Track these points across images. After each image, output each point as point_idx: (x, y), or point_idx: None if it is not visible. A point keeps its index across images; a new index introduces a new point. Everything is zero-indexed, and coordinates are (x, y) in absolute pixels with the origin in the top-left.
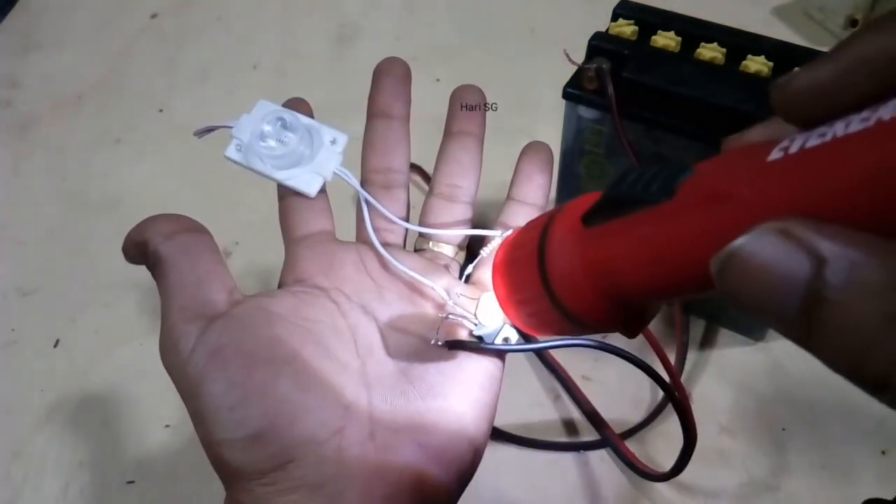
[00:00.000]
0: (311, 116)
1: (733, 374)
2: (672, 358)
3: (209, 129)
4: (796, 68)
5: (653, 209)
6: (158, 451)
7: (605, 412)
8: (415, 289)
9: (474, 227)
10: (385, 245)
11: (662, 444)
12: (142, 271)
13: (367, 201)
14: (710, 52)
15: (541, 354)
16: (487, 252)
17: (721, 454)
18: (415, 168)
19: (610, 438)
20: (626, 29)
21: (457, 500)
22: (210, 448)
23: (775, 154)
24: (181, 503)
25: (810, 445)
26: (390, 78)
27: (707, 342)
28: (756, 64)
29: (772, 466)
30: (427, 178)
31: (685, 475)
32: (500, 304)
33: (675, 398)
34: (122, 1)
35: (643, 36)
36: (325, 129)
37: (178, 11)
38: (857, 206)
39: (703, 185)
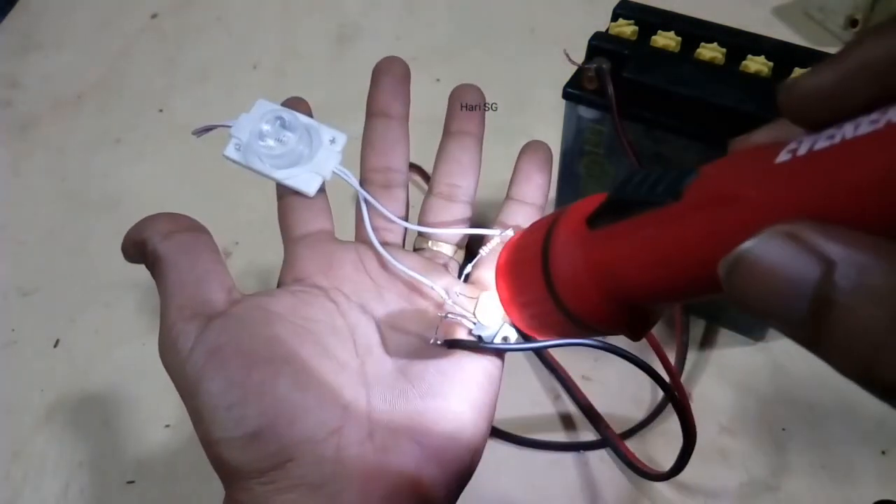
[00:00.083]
0: (311, 116)
1: (733, 374)
2: (672, 358)
3: (208, 129)
4: (796, 68)
5: (658, 211)
6: (158, 450)
7: (605, 412)
8: (414, 288)
9: (474, 226)
10: (384, 244)
11: (662, 444)
12: (141, 271)
13: (366, 201)
14: (710, 52)
15: (540, 354)
16: (487, 251)
17: (721, 454)
18: (414, 168)
19: (610, 438)
20: (626, 29)
21: (456, 499)
22: (209, 447)
23: (783, 156)
24: (181, 503)
25: (810, 445)
26: (389, 77)
27: (707, 342)
28: (756, 64)
29: (772, 466)
30: (427, 177)
31: (685, 475)
32: (503, 305)
33: (675, 398)
34: (122, 1)
35: (643, 36)
36: (324, 128)
37: (178, 11)
38: (866, 209)
39: (710, 186)
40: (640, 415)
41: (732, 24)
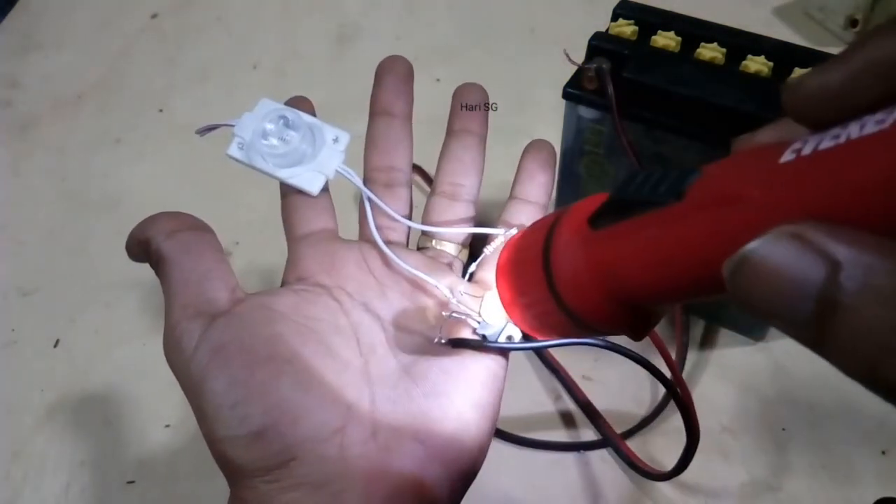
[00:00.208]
0: (314, 114)
1: (733, 374)
2: (672, 357)
3: (211, 128)
4: (796, 68)
5: (661, 211)
6: (159, 450)
7: (606, 411)
8: (418, 287)
9: (477, 226)
10: (388, 243)
11: (663, 444)
12: (141, 271)
13: (369, 199)
14: (710, 52)
15: (541, 354)
16: (491, 250)
17: (722, 454)
18: (415, 168)
19: (611, 438)
20: (626, 29)
21: (460, 499)
22: (213, 445)
23: (787, 156)
24: (181, 503)
25: (811, 445)
26: (392, 76)
27: (707, 342)
28: (756, 64)
29: (772, 466)
30: (427, 178)
31: (686, 475)
32: (503, 306)
33: (678, 396)
34: (122, 1)
35: (643, 36)
36: (327, 127)
37: (178, 11)
38: (872, 209)
39: (714, 186)
40: (640, 414)
41: (732, 24)
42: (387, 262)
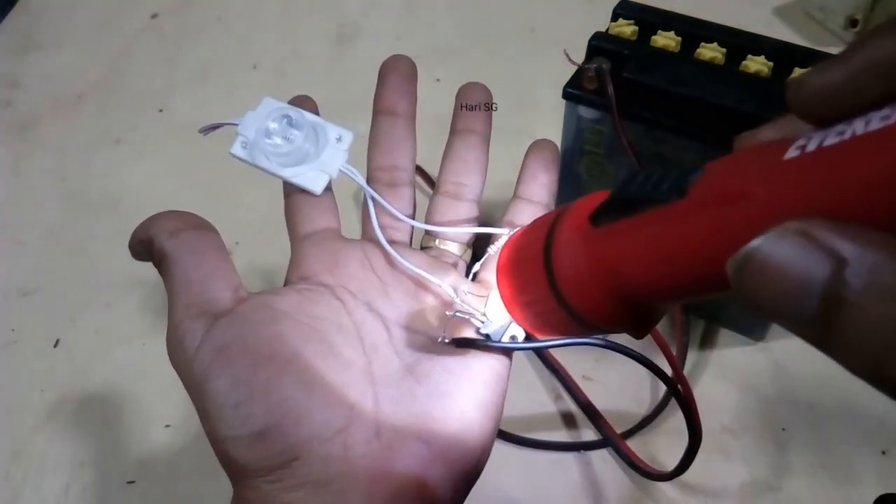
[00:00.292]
0: (317, 114)
1: (734, 374)
2: None
3: (214, 127)
4: (796, 68)
5: (664, 208)
6: (159, 450)
7: (606, 412)
8: (421, 286)
9: (480, 226)
10: (391, 243)
11: (664, 443)
12: (142, 271)
13: (372, 199)
14: (710, 52)
15: (541, 354)
16: (494, 250)
17: (722, 454)
18: (416, 169)
19: (611, 438)
20: (626, 29)
21: (463, 499)
22: (216, 445)
23: (792, 152)
24: (182, 503)
25: (811, 445)
26: (396, 75)
27: (707, 342)
28: (756, 64)
29: (772, 466)
30: (428, 179)
31: (686, 474)
32: (504, 304)
33: (680, 395)
34: (122, 1)
35: (643, 36)
36: (330, 126)
37: (178, 11)
38: (877, 206)
39: (717, 183)
40: (640, 414)
41: (732, 24)
42: (390, 261)
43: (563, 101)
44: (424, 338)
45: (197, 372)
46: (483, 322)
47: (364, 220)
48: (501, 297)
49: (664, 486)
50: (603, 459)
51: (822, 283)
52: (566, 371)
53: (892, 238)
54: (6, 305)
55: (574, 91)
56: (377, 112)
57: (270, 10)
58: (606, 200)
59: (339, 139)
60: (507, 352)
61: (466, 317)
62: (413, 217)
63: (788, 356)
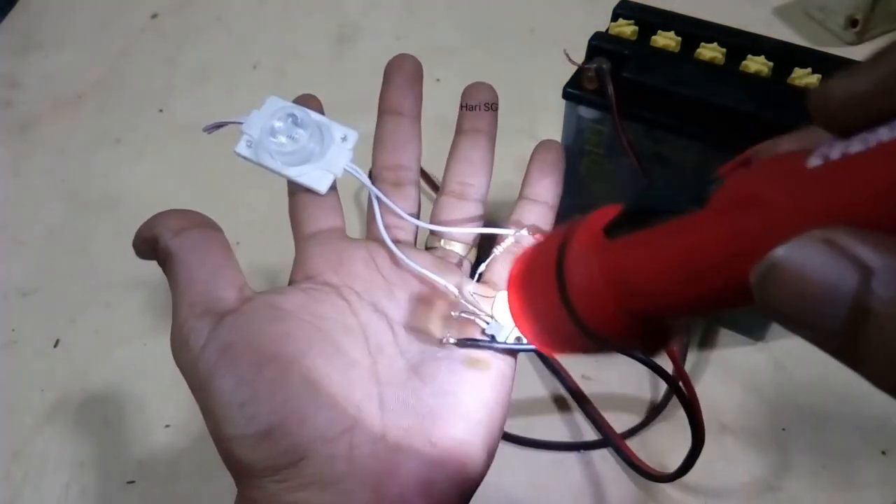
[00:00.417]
0: (322, 113)
1: (734, 374)
2: None
3: (219, 125)
4: (796, 68)
5: (682, 219)
6: (159, 450)
7: (606, 411)
8: (426, 287)
9: (484, 226)
10: (396, 243)
11: (664, 443)
12: (142, 270)
13: (377, 198)
14: (710, 52)
15: (542, 355)
16: (500, 250)
17: (722, 454)
18: None
19: (611, 438)
20: (626, 29)
21: (468, 500)
22: (220, 444)
23: (815, 160)
24: (182, 503)
25: (811, 445)
26: (401, 75)
27: (707, 342)
28: (756, 64)
29: (773, 466)
30: (430, 180)
31: (687, 474)
32: (514, 318)
33: (683, 394)
34: (122, 1)
35: (643, 36)
36: (335, 125)
37: (178, 11)
38: None
39: (738, 192)
40: (641, 414)
41: (732, 24)
42: (395, 261)
43: (563, 101)
44: (429, 338)
45: (202, 371)
46: (488, 323)
47: (369, 219)
48: (511, 311)
49: (665, 486)
50: (604, 459)
51: (848, 293)
52: (566, 371)
53: None
54: (6, 305)
55: (574, 91)
56: (382, 111)
57: (270, 10)
58: (621, 212)
59: (344, 138)
60: (512, 353)
61: (471, 317)
62: (418, 217)
63: (788, 356)
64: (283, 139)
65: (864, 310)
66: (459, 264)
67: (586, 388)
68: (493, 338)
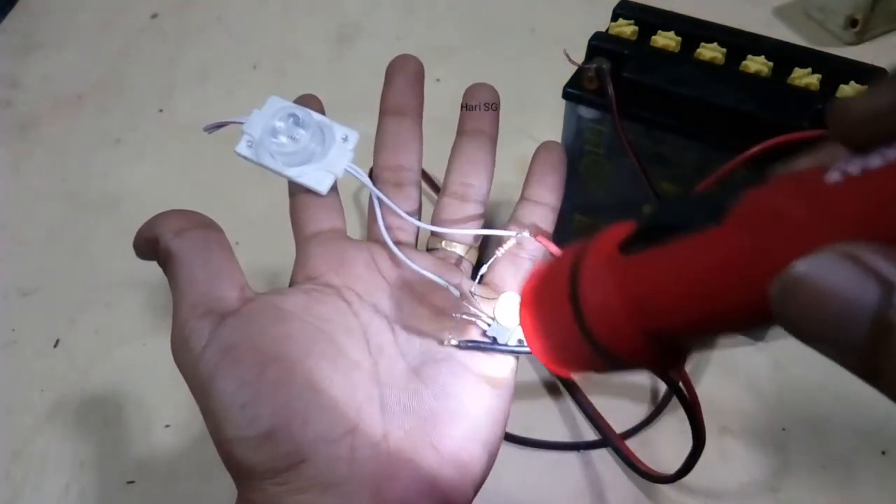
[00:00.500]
0: (323, 113)
1: (734, 374)
2: None
3: (220, 125)
4: (796, 68)
5: (699, 235)
6: (159, 451)
7: (606, 411)
8: (427, 288)
9: (485, 227)
10: (397, 244)
11: (664, 444)
12: (142, 271)
13: (378, 199)
14: (710, 52)
15: None
16: (502, 252)
17: (722, 454)
18: None
19: (611, 438)
20: (626, 29)
21: (470, 501)
22: (221, 446)
23: (833, 176)
24: (182, 503)
25: (810, 445)
26: (403, 75)
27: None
28: (756, 64)
29: (772, 466)
30: (431, 181)
31: (686, 475)
32: (526, 336)
33: (683, 396)
34: (122, 1)
35: (643, 36)
36: (336, 125)
37: (178, 11)
38: None
39: (756, 209)
40: (641, 414)
41: (732, 24)
42: (396, 262)
43: (563, 101)
44: (431, 340)
45: (203, 372)
46: (489, 325)
47: (370, 220)
48: (523, 327)
49: (664, 487)
50: (603, 459)
51: (871, 308)
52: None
53: None
54: (6, 305)
55: (574, 91)
56: (384, 112)
57: (270, 10)
58: (637, 228)
59: (345, 139)
60: (513, 354)
61: (473, 319)
62: (419, 218)
63: (788, 356)
64: (284, 139)
65: (885, 325)
66: (461, 266)
67: (586, 387)
68: (494, 340)
